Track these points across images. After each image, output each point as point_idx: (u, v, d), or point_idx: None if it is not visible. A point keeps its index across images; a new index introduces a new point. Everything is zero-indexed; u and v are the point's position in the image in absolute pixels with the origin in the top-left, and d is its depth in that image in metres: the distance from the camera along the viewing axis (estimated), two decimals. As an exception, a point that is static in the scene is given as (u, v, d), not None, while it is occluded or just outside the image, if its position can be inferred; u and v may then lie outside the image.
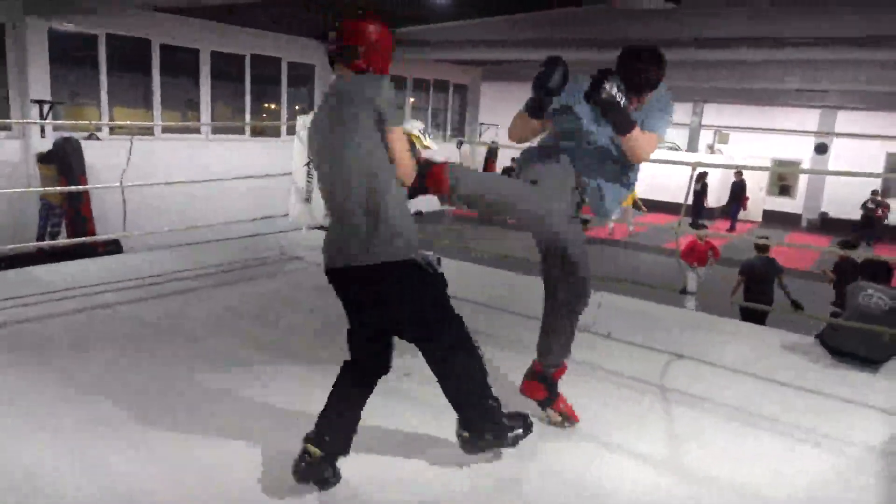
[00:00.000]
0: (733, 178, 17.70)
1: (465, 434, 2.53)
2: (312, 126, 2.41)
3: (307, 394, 3.18)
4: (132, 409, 2.93)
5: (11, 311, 4.03)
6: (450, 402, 2.49)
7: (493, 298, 4.94)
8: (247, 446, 2.70)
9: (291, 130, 6.31)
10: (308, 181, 5.61)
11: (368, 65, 2.33)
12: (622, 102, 2.60)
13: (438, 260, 6.28)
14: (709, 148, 20.45)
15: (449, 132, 16.70)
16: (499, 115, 17.68)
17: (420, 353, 2.44)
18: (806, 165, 18.75)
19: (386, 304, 2.34)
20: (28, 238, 8.51)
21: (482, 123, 17.23)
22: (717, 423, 3.18)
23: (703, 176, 15.96)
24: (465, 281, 5.46)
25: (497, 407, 2.52)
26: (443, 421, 2.66)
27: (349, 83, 2.31)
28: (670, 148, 20.33)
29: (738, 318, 6.19)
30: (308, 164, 5.41)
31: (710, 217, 16.12)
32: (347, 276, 2.32)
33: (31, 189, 8.40)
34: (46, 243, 7.89)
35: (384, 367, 2.48)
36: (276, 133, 12.10)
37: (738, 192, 17.59)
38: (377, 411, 2.62)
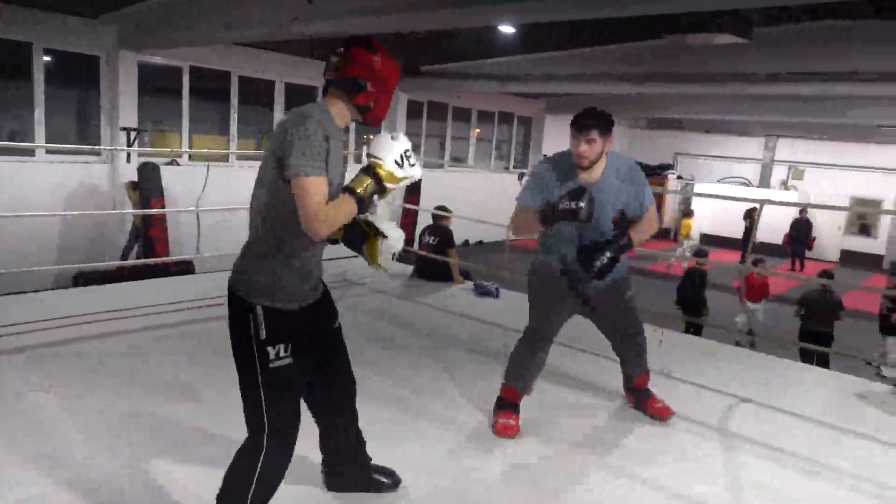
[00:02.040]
0: (796, 216, 16.76)
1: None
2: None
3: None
4: (198, 425, 3.05)
5: (88, 326, 4.26)
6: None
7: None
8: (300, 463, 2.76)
9: (358, 159, 6.48)
10: (371, 210, 5.73)
11: (375, 105, 2.13)
12: (612, 252, 2.94)
13: (497, 290, 6.31)
14: (782, 184, 19.76)
15: (512, 164, 16.79)
16: (563, 147, 17.67)
17: None
18: (889, 205, 17.85)
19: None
20: (111, 257, 9.03)
21: (545, 155, 17.22)
22: (784, 472, 3.04)
23: (751, 212, 15.36)
24: (522, 312, 5.45)
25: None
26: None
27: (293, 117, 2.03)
28: (741, 183, 19.79)
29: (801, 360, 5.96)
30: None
31: (773, 255, 15.33)
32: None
33: (109, 212, 8.92)
34: (125, 262, 8.34)
35: None
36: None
37: (801, 232, 16.32)
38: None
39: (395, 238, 2.21)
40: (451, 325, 5.04)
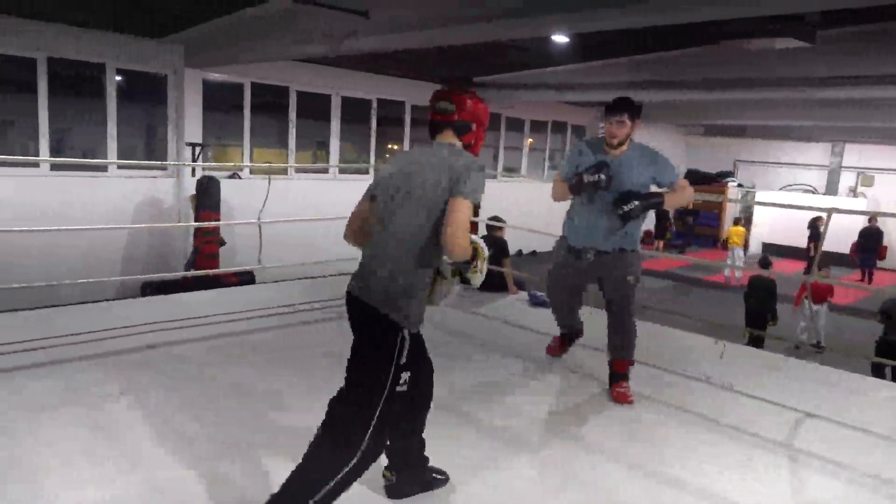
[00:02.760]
0: (865, 224, 15.85)
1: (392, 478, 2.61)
2: (397, 164, 2.46)
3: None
4: (260, 433, 3.14)
5: (155, 334, 4.45)
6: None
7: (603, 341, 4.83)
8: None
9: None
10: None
11: (475, 142, 2.53)
12: (641, 201, 3.55)
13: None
14: (850, 191, 18.96)
15: (566, 173, 16.67)
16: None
17: None
18: (966, 211, 16.87)
19: (364, 345, 2.35)
20: (175, 267, 9.39)
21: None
22: (856, 493, 2.93)
23: (816, 221, 14.68)
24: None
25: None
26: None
27: (459, 156, 2.36)
28: (805, 191, 19.08)
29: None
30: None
31: (840, 265, 14.60)
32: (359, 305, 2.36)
33: (173, 224, 9.27)
34: (188, 273, 8.63)
35: None
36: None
37: (871, 240, 15.32)
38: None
39: (449, 282, 2.45)
40: (506, 334, 5.04)
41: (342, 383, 2.39)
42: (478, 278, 2.42)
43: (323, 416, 2.34)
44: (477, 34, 6.28)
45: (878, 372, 6.32)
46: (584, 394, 3.87)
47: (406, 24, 6.01)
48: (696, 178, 20.00)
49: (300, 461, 2.29)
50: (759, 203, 16.09)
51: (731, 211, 19.32)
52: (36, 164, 8.43)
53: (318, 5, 6.13)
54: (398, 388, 2.25)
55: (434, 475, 2.72)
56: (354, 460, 2.21)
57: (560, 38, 8.56)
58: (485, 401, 3.66)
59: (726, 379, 4.11)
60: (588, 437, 3.30)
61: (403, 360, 2.25)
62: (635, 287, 3.78)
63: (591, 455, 3.12)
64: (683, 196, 3.76)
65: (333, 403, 2.36)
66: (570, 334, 4.33)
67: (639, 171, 3.62)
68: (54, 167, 8.61)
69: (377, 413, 2.22)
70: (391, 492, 2.65)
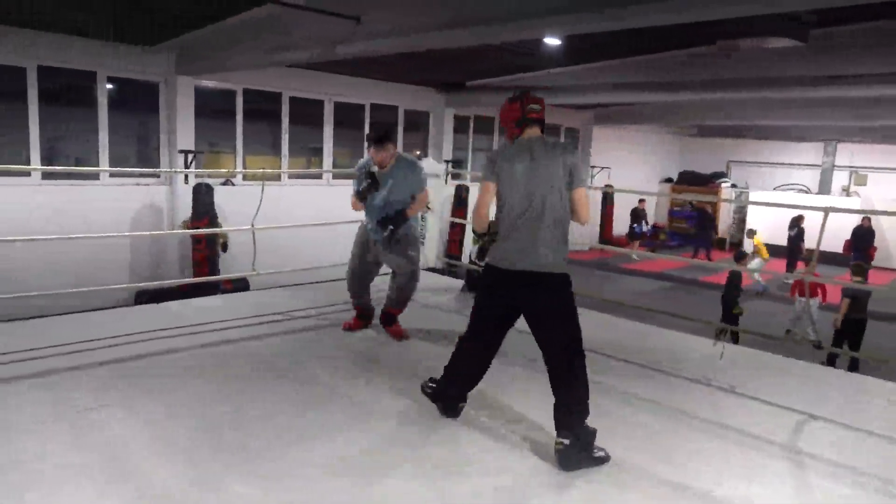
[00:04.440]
0: (858, 223, 15.57)
1: (565, 442, 2.92)
2: (511, 159, 3.09)
3: (410, 433, 3.23)
4: (253, 439, 3.09)
5: (150, 343, 4.40)
6: (561, 407, 2.99)
7: (599, 344, 4.81)
8: (351, 484, 2.76)
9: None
10: (422, 225, 5.78)
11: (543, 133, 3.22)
12: (389, 230, 4.48)
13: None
14: (843, 190, 19.02)
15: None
16: (610, 157, 17.47)
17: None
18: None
19: (548, 305, 3.04)
20: (168, 275, 9.31)
21: (593, 166, 17.04)
22: (863, 496, 2.89)
23: (798, 220, 14.78)
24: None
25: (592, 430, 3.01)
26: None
27: (552, 143, 3.13)
28: (799, 190, 19.14)
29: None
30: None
31: (831, 263, 14.48)
32: (521, 277, 3.04)
33: (164, 232, 9.20)
34: (184, 280, 8.57)
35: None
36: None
37: (862, 240, 15.21)
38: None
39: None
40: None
41: (337, 390, 2.36)
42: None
43: (295, 428, 2.29)
44: (466, 39, 6.24)
45: (830, 361, 7.18)
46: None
47: (398, 29, 5.98)
48: (691, 180, 20.09)
49: (557, 398, 3.01)
50: (753, 203, 16.11)
51: (727, 212, 19.38)
52: (28, 174, 8.35)
53: (310, 10, 6.09)
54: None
55: (598, 451, 3.00)
56: (585, 367, 3.03)
57: (552, 41, 8.55)
58: (492, 406, 3.61)
59: (727, 381, 4.07)
60: (606, 443, 3.23)
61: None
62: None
63: (611, 466, 3.05)
64: (419, 205, 4.62)
65: (556, 354, 3.03)
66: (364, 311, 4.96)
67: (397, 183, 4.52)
68: (46, 176, 8.54)
69: (579, 324, 3.05)
70: (564, 460, 2.92)
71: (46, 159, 8.60)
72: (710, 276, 14.03)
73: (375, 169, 4.50)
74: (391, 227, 4.46)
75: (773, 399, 3.87)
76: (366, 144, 4.52)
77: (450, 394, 3.39)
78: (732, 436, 3.39)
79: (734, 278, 9.16)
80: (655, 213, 20.05)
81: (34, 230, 6.51)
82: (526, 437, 3.23)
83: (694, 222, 18.17)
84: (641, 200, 16.98)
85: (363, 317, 4.91)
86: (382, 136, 4.47)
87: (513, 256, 3.06)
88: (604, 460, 2.98)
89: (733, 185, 19.62)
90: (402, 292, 4.74)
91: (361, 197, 4.51)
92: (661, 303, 10.79)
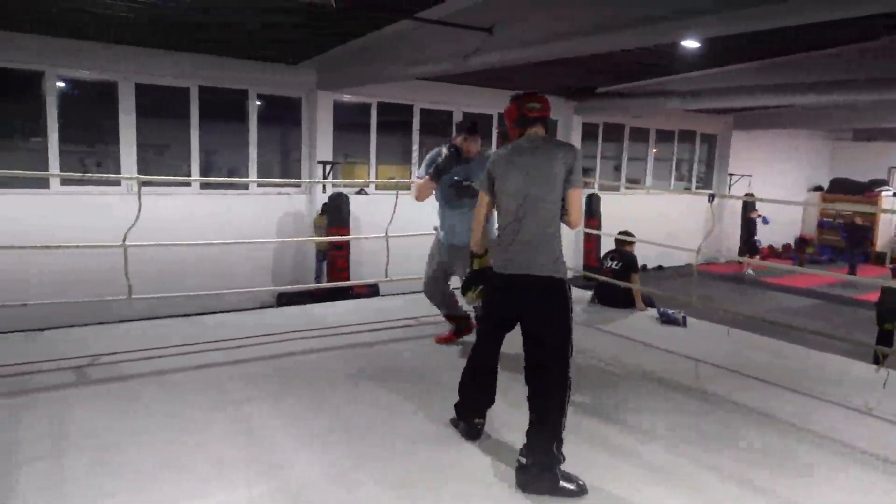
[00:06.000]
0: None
1: (522, 461, 2.78)
2: (505, 163, 3.01)
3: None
4: (387, 440, 3.21)
5: (291, 343, 4.69)
6: (536, 423, 2.81)
7: (740, 363, 4.52)
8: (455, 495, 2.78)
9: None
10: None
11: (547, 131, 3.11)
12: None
13: (684, 318, 5.97)
14: None
15: (694, 184, 15.84)
16: (751, 164, 16.35)
17: None
18: None
19: (536, 312, 2.89)
20: (307, 279, 9.89)
21: (732, 174, 16.05)
22: None
23: (748, 208, 14.29)
24: (712, 342, 5.09)
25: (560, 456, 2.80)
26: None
27: (552, 142, 3.04)
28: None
29: None
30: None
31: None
32: (519, 281, 2.91)
33: (306, 238, 9.78)
34: (321, 285, 9.06)
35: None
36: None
37: (855, 235, 15.61)
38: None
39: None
40: (634, 353, 4.84)
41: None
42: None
43: (429, 433, 2.33)
44: (601, 45, 6.12)
45: None
46: (722, 416, 3.61)
47: (530, 39, 5.98)
48: (844, 188, 18.36)
49: (530, 421, 2.82)
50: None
51: (889, 224, 17.53)
52: (188, 184, 9.21)
53: (443, 24, 6.24)
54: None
55: (566, 482, 2.76)
56: (569, 391, 2.81)
57: (690, 44, 8.17)
58: (615, 421, 3.51)
59: (892, 410, 3.69)
60: (734, 468, 3.05)
61: (572, 302, 2.92)
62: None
63: (740, 488, 2.89)
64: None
65: (532, 363, 2.87)
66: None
67: None
68: (204, 186, 9.38)
69: (572, 337, 2.87)
70: (520, 478, 2.78)
71: (204, 171, 9.42)
72: (864, 294, 12.76)
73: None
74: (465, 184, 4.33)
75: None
76: (455, 134, 4.50)
77: (467, 410, 3.25)
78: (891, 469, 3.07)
79: (887, 295, 8.29)
80: (803, 224, 18.56)
81: (194, 235, 7.16)
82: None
83: (846, 235, 16.59)
84: (754, 209, 15.27)
85: (458, 329, 4.76)
86: (475, 126, 4.47)
87: (507, 260, 2.95)
88: (574, 493, 2.73)
89: (895, 194, 17.71)
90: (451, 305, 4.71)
91: (441, 170, 4.35)
92: (808, 322, 9.94)
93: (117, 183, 8.55)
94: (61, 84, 8.39)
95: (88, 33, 7.78)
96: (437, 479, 2.87)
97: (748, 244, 15.30)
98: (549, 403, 2.79)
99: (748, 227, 15.37)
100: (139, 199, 4.48)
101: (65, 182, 8.30)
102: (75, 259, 7.00)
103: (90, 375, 3.94)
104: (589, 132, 13.61)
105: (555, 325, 2.85)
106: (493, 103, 11.98)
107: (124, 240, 4.43)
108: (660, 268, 13.95)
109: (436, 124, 11.68)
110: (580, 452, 3.04)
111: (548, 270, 2.87)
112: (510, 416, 3.25)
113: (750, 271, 14.09)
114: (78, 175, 7.74)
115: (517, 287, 2.91)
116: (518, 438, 2.88)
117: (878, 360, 5.45)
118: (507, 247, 2.94)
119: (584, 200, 3.03)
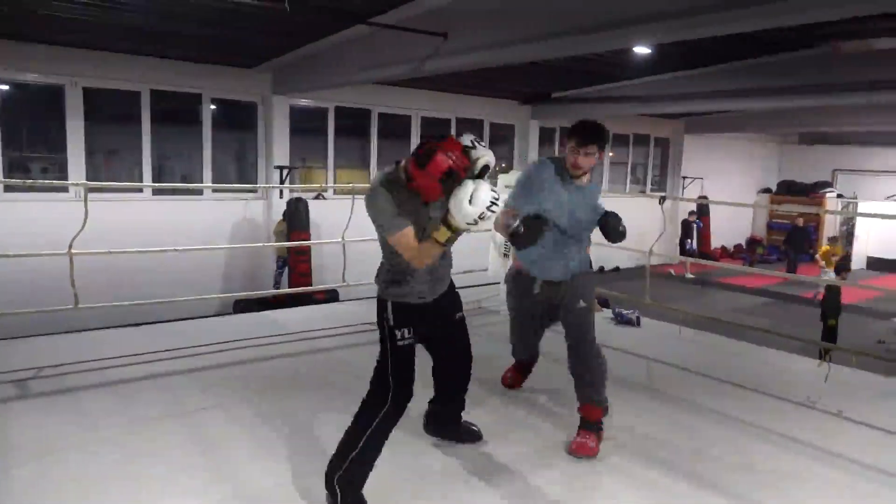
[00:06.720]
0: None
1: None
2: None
3: (494, 449, 3.23)
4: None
5: (247, 350, 4.63)
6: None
7: (694, 362, 4.64)
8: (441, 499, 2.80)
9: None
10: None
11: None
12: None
13: (638, 319, 6.09)
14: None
15: (649, 187, 16.19)
16: (703, 167, 16.81)
17: None
18: None
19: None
20: (265, 286, 9.76)
21: (685, 177, 16.47)
22: None
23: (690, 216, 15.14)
24: (665, 343, 5.22)
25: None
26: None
27: None
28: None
29: None
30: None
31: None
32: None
33: (265, 244, 9.68)
34: (279, 291, 8.95)
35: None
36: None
37: (796, 236, 16.12)
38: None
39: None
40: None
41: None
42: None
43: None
44: (555, 51, 6.22)
45: None
46: (676, 418, 3.71)
47: (483, 44, 6.04)
48: (790, 190, 19.01)
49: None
50: (862, 214, 15.05)
51: (833, 225, 18.19)
52: (140, 190, 9.00)
53: (399, 29, 6.26)
54: (399, 343, 2.76)
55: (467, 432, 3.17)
56: (387, 405, 2.65)
57: (642, 50, 8.36)
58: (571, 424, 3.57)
59: (834, 405, 3.84)
60: (696, 467, 3.12)
61: (391, 322, 2.82)
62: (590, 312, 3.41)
63: (702, 490, 2.96)
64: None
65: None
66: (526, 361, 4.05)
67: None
68: (156, 192, 9.18)
69: (390, 363, 2.74)
70: (427, 421, 3.21)
71: (156, 176, 9.23)
72: (809, 291, 13.23)
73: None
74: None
75: (886, 425, 3.61)
76: (570, 141, 3.16)
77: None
78: (831, 461, 3.20)
79: (831, 292, 8.66)
80: (753, 225, 19.13)
81: (146, 242, 7.00)
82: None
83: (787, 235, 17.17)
84: (692, 213, 15.62)
85: (524, 369, 4.11)
86: (602, 133, 3.15)
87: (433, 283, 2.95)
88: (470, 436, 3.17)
89: (839, 196, 18.41)
90: (594, 374, 3.28)
91: (525, 241, 2.78)
92: (758, 320, 10.26)
93: (65, 189, 8.32)
94: (4, 87, 8.14)
95: (33, 35, 7.57)
96: (399, 486, 2.87)
97: (681, 246, 15.70)
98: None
99: (685, 230, 15.82)
100: (86, 205, 4.37)
101: (8, 189, 8.05)
102: (21, 268, 6.78)
103: (35, 388, 3.83)
104: (546, 137, 13.80)
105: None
106: (450, 107, 12.06)
107: (70, 247, 4.32)
108: (616, 269, 14.19)
109: (395, 129, 11.69)
110: (543, 452, 3.08)
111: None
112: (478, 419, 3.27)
113: (689, 274, 14.49)
114: (21, 181, 7.52)
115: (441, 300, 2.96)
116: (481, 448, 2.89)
117: (822, 356, 5.66)
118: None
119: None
